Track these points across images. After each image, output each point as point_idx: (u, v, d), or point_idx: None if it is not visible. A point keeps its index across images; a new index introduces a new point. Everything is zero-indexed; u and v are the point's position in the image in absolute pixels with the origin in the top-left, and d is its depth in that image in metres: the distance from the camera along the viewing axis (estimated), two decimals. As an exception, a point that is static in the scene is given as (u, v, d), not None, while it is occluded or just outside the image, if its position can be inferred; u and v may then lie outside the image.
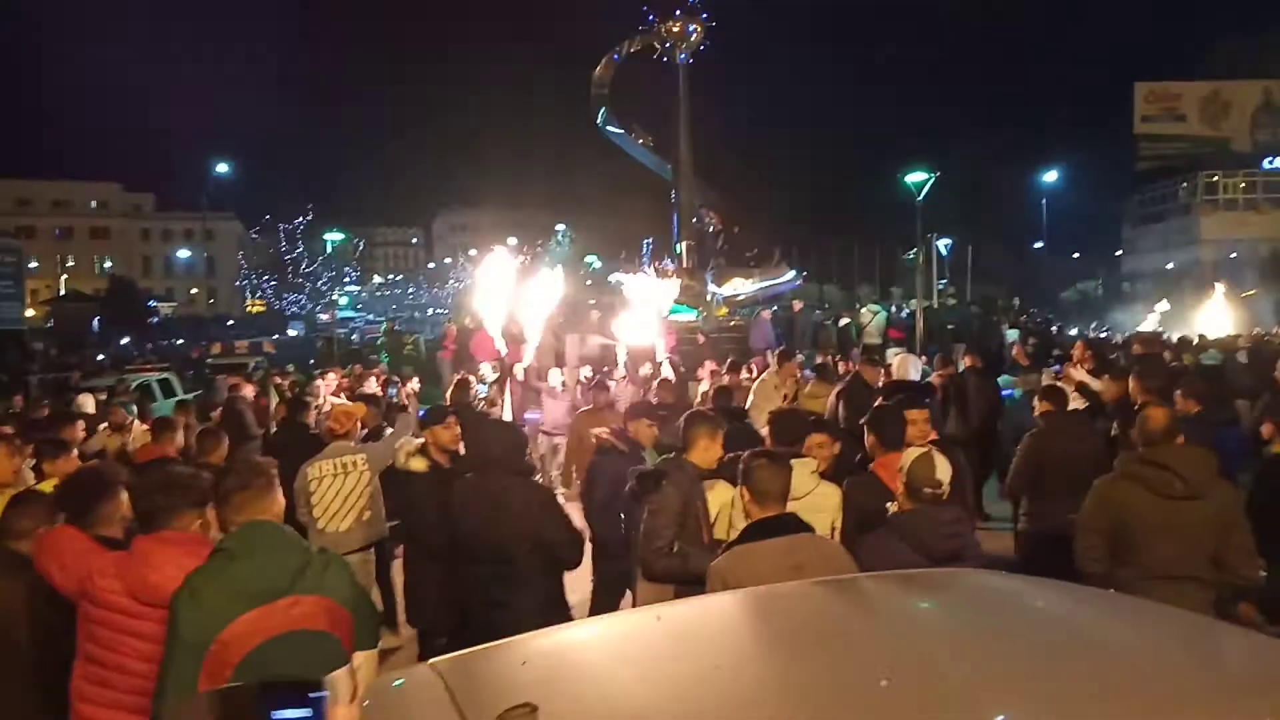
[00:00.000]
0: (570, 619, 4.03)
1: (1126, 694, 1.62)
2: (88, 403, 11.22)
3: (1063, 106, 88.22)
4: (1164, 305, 21.58)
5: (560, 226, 61.86)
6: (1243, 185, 48.97)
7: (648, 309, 10.79)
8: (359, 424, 6.05)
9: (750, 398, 9.46)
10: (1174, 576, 3.63)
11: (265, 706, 1.40)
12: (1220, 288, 22.58)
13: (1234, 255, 45.14)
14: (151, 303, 54.85)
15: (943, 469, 3.34)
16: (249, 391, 10.91)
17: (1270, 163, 48.64)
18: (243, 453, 8.17)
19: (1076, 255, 53.07)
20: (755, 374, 11.13)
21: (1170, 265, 48.05)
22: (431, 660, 2.01)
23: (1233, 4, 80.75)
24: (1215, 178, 49.17)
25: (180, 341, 34.75)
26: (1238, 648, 2.00)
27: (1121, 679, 1.69)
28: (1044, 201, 41.63)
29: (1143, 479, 3.76)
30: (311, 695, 1.41)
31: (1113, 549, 3.82)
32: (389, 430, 6.72)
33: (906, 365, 8.00)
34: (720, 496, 4.03)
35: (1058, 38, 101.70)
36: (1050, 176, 42.03)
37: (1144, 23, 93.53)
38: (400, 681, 2.10)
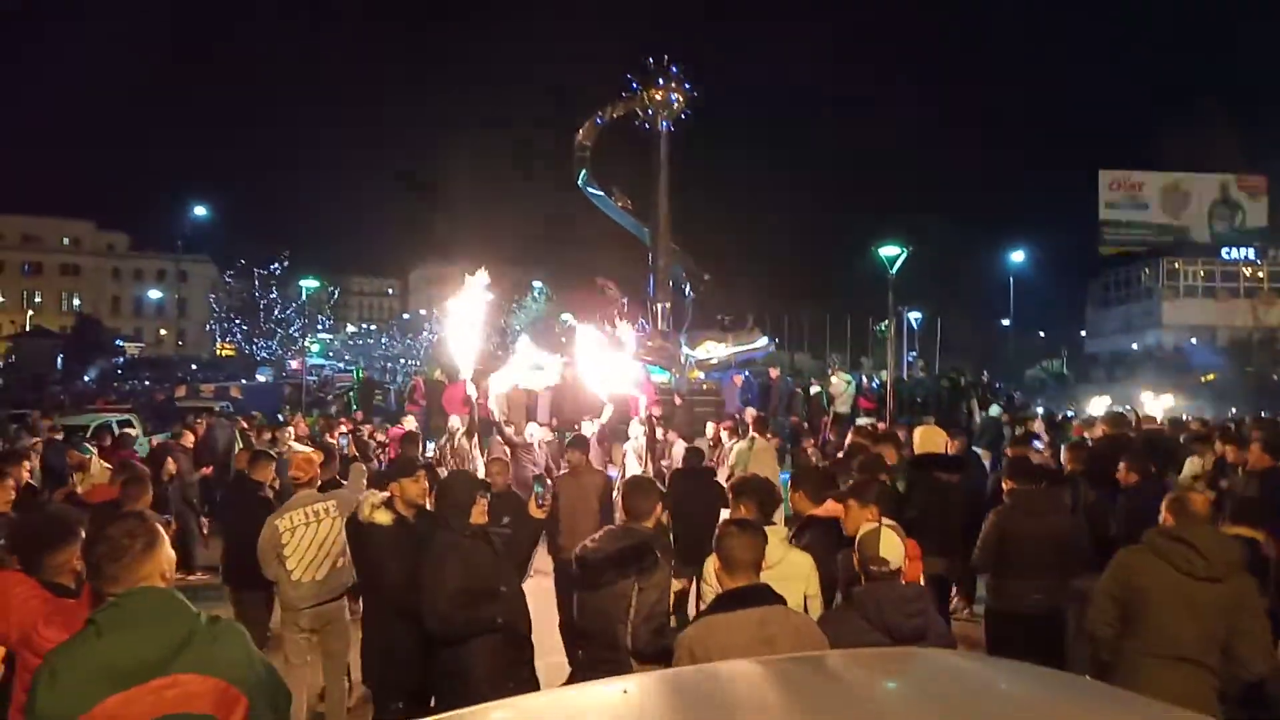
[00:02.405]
0: (536, 685, 3.94)
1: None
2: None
3: (1031, 189, 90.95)
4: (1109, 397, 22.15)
5: (537, 283, 62.11)
6: (1202, 274, 50.59)
7: (628, 362, 10.83)
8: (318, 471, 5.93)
9: (733, 458, 9.50)
10: (1177, 657, 3.65)
11: None
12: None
13: (1193, 340, 46.38)
14: (118, 342, 53.98)
15: (889, 547, 3.28)
16: (189, 440, 10.77)
17: (1228, 253, 50.34)
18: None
19: (1042, 334, 54.16)
20: (714, 435, 11.25)
21: (1134, 346, 49.21)
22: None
23: (1194, 97, 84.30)
24: (1176, 265, 50.77)
25: (146, 383, 34.13)
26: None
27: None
28: (1010, 280, 42.64)
29: (1166, 554, 3.78)
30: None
31: (1124, 619, 3.85)
32: (345, 483, 6.64)
33: (934, 438, 7.41)
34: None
35: (1028, 121, 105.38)
36: (1017, 256, 43.13)
37: (1112, 110, 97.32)
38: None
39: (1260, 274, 50.07)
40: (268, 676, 2.49)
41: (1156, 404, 20.50)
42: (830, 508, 4.66)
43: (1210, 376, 38.13)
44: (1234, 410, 25.67)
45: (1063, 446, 8.34)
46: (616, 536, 3.71)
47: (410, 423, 11.66)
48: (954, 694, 2.15)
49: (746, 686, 2.20)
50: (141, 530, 2.49)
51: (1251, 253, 50.59)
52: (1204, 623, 3.65)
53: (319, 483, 5.60)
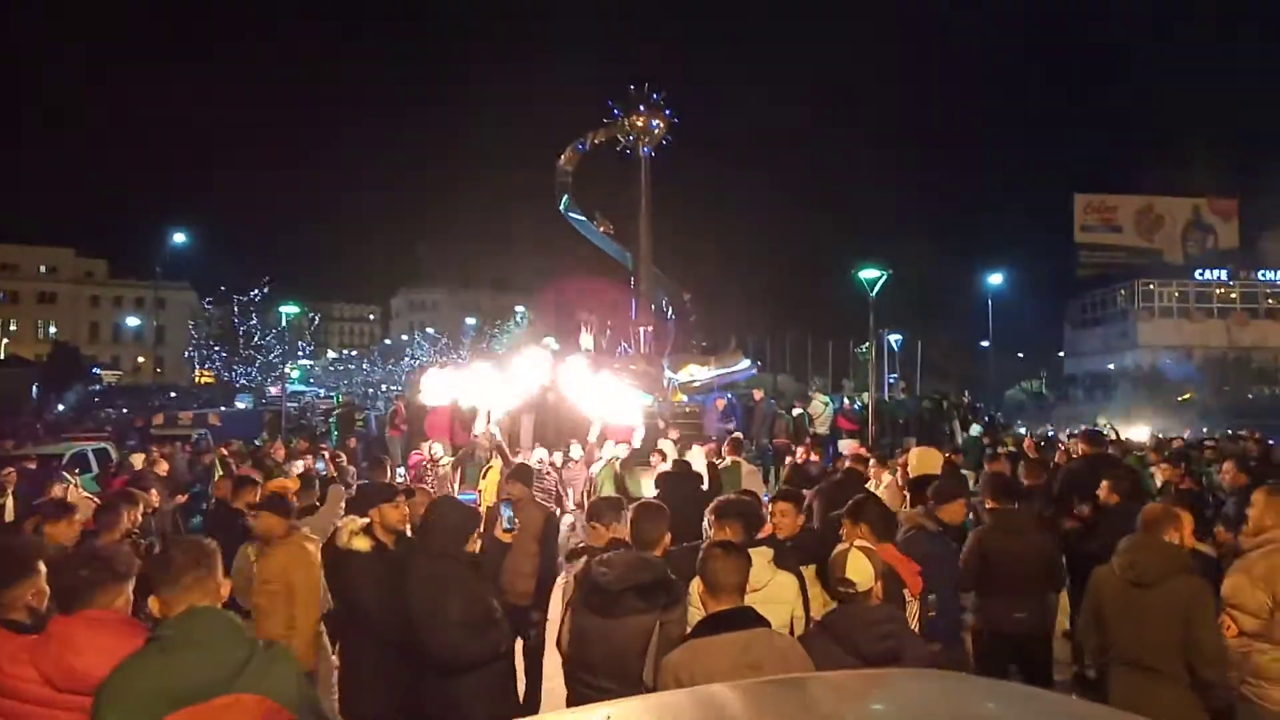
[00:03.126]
0: (519, 713, 3.89)
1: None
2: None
3: (1009, 213, 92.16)
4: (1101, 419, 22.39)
5: (519, 308, 62.11)
6: (1176, 295, 51.29)
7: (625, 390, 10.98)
8: (294, 498, 5.86)
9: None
10: (1137, 663, 3.80)
11: None
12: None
13: (1168, 361, 46.95)
14: (95, 370, 53.37)
15: (855, 569, 3.23)
16: (163, 469, 10.61)
17: (1201, 274, 51.13)
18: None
19: (1020, 355, 54.65)
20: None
21: (1110, 367, 49.73)
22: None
23: (1170, 120, 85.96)
24: (1151, 286, 51.47)
25: (125, 410, 33.71)
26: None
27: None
28: (990, 302, 43.05)
29: (1114, 562, 4.00)
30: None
31: (1096, 627, 4.10)
32: (322, 508, 6.56)
33: (930, 459, 7.42)
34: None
35: (1006, 145, 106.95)
36: (996, 279, 43.57)
37: (1089, 133, 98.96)
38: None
39: (1233, 294, 50.83)
40: (313, 700, 2.61)
41: (1130, 427, 20.78)
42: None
43: (1188, 395, 38.58)
44: (1204, 429, 25.96)
45: (1020, 464, 8.43)
46: (635, 566, 3.52)
47: (438, 450, 11.39)
48: (924, 713, 2.14)
49: (729, 709, 2.18)
50: (202, 553, 2.61)
51: (1224, 274, 51.40)
52: (1150, 629, 3.78)
53: (294, 510, 5.51)
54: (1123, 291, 52.61)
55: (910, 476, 7.06)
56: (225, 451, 13.59)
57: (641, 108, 22.33)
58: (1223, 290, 50.97)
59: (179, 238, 36.37)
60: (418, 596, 3.86)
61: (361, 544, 4.65)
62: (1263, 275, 50.74)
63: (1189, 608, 3.75)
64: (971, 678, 2.51)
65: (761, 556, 3.93)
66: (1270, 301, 50.42)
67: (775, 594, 3.90)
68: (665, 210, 24.88)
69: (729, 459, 10.04)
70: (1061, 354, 57.40)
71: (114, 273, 72.69)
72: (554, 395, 16.00)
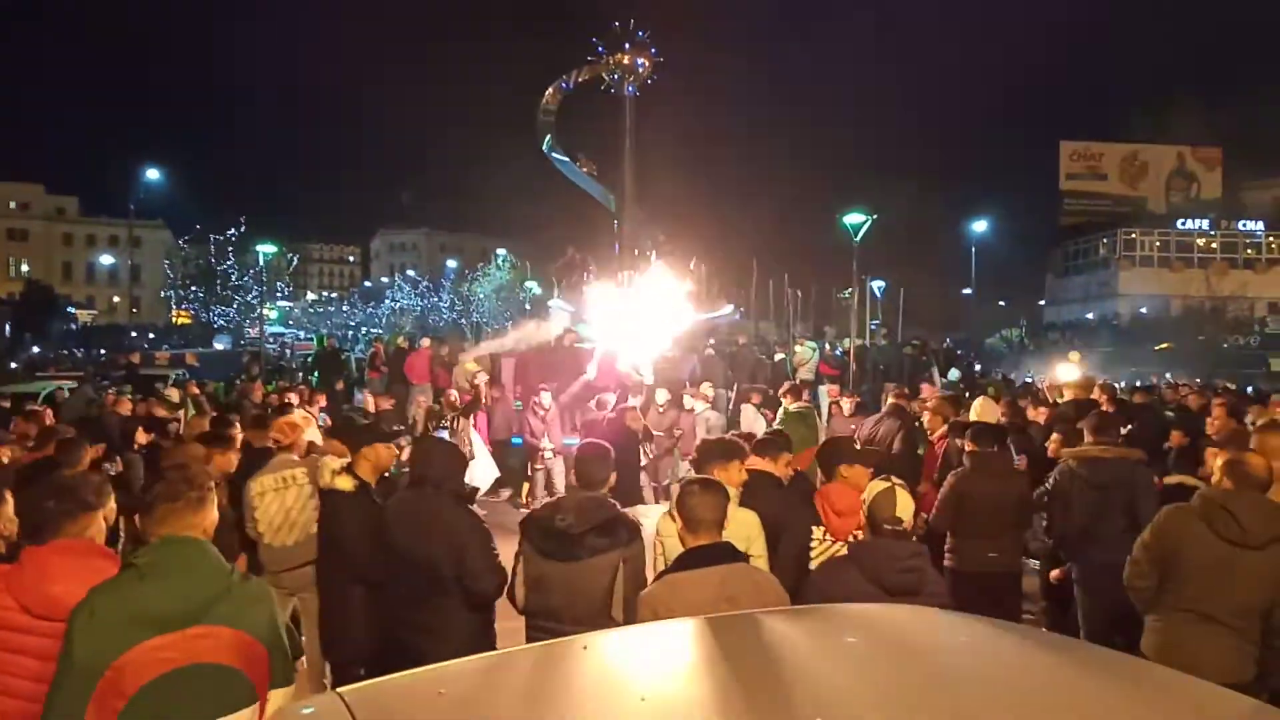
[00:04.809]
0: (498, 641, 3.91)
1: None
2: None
3: (996, 160, 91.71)
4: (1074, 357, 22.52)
5: (501, 251, 61.53)
6: (1158, 244, 51.52)
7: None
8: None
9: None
10: (1209, 617, 3.69)
11: None
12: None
13: (1144, 310, 47.35)
14: (70, 309, 52.63)
15: (904, 505, 3.36)
16: (125, 407, 10.40)
17: (1183, 224, 51.30)
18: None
19: (1003, 303, 54.93)
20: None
21: (1090, 315, 50.10)
22: (340, 689, 1.89)
23: (1155, 68, 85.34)
24: (1133, 235, 51.64)
25: (103, 351, 33.32)
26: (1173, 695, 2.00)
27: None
28: (973, 250, 43.09)
29: (1208, 518, 3.78)
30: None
31: (1163, 575, 3.89)
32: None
33: (990, 409, 7.93)
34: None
35: (994, 92, 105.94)
36: (981, 226, 43.54)
37: (1075, 80, 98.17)
38: (309, 710, 1.96)
39: (1214, 244, 51.10)
40: (286, 636, 2.62)
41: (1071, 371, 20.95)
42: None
43: (1165, 345, 38.97)
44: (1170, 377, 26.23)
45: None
46: (591, 507, 3.56)
47: (546, 399, 11.16)
48: (942, 653, 2.14)
49: (700, 640, 2.18)
50: (198, 483, 2.62)
51: (1205, 224, 51.59)
52: (1242, 591, 3.67)
53: (300, 448, 5.46)
54: (1105, 240, 52.78)
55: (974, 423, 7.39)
56: (197, 390, 13.45)
57: (626, 45, 21.83)
58: (1204, 240, 51.20)
59: (152, 174, 35.44)
60: (439, 532, 3.81)
61: (344, 483, 4.63)
62: (1243, 225, 50.98)
63: None
64: (948, 612, 2.52)
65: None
66: (1249, 252, 50.75)
67: (734, 531, 3.91)
68: (649, 152, 24.49)
69: (795, 405, 9.81)
70: (1043, 302, 57.73)
71: (85, 210, 71.28)
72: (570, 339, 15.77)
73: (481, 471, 9.97)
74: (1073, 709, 1.75)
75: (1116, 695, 1.86)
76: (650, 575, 3.60)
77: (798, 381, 18.19)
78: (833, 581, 3.25)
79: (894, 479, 3.52)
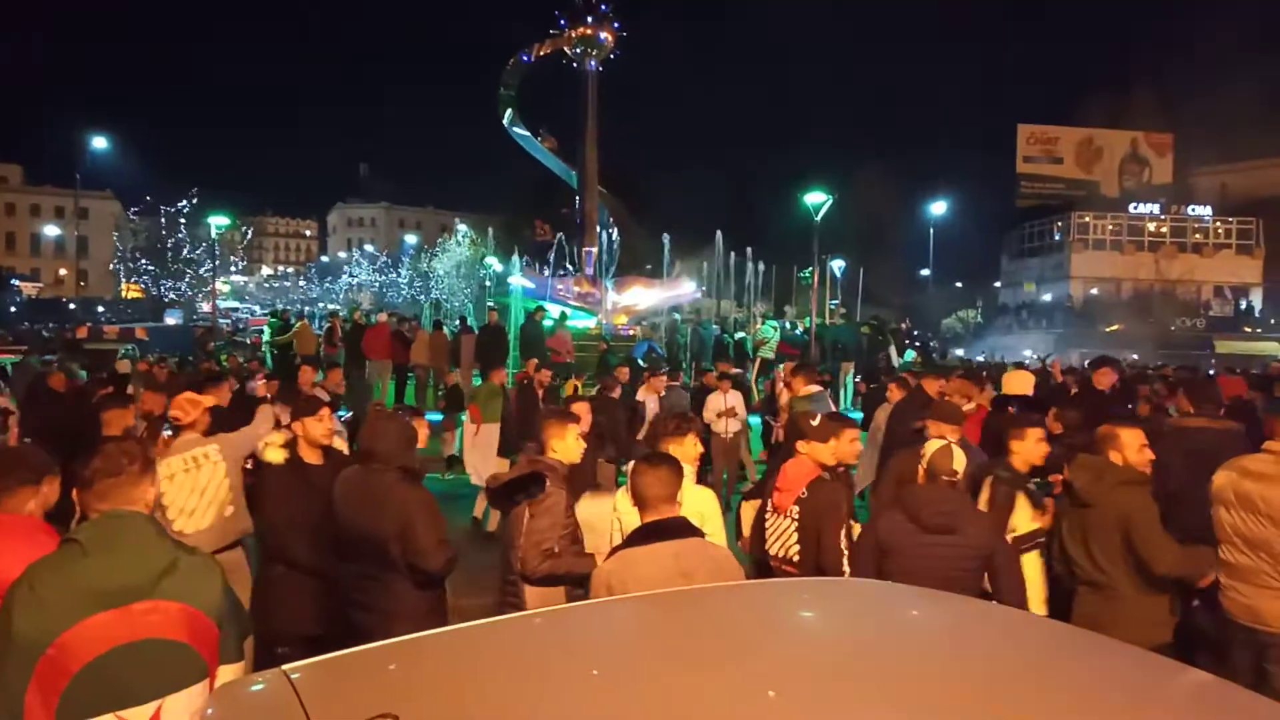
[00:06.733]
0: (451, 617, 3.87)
1: (992, 701, 1.63)
2: None
3: (954, 142, 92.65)
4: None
5: (461, 227, 60.83)
6: (1110, 227, 52.44)
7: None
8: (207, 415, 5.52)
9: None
10: (1087, 581, 3.93)
11: None
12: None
13: (1094, 291, 48.30)
14: (14, 281, 51.00)
15: (959, 460, 3.85)
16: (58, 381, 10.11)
17: (1134, 208, 52.30)
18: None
19: (959, 284, 55.59)
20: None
21: (1046, 298, 50.99)
22: (286, 665, 1.85)
23: (1113, 55, 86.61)
24: (1086, 218, 52.50)
25: (52, 325, 32.35)
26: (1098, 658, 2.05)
27: (991, 688, 1.71)
28: (931, 231, 43.48)
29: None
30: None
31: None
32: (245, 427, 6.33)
33: (1023, 380, 8.03)
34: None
35: (953, 73, 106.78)
36: (939, 208, 43.93)
37: (1033, 64, 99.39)
38: (258, 686, 1.92)
39: (1163, 229, 52.16)
40: (237, 611, 2.59)
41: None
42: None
43: (1116, 326, 39.87)
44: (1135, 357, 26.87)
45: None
46: (519, 466, 3.92)
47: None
48: (894, 623, 2.16)
49: (649, 615, 2.18)
50: (139, 454, 2.55)
51: (1156, 208, 52.62)
52: (1090, 546, 3.89)
53: (204, 426, 5.10)
54: (1059, 223, 53.62)
55: (1001, 394, 7.55)
56: (146, 365, 13.16)
57: (589, 19, 21.61)
58: (1154, 224, 52.24)
59: (100, 143, 34.28)
60: (386, 508, 3.75)
61: (275, 456, 4.51)
62: (1191, 210, 52.10)
63: (1129, 518, 3.79)
64: (896, 585, 2.55)
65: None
66: (1197, 236, 51.87)
67: (687, 508, 3.91)
68: (612, 127, 24.30)
69: (805, 389, 9.13)
70: (998, 284, 58.59)
71: (30, 180, 68.95)
72: (497, 316, 15.87)
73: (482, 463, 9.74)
74: (1009, 674, 1.79)
75: (1044, 658, 1.91)
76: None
77: (757, 360, 18.26)
78: (880, 519, 3.89)
79: (951, 439, 4.12)
